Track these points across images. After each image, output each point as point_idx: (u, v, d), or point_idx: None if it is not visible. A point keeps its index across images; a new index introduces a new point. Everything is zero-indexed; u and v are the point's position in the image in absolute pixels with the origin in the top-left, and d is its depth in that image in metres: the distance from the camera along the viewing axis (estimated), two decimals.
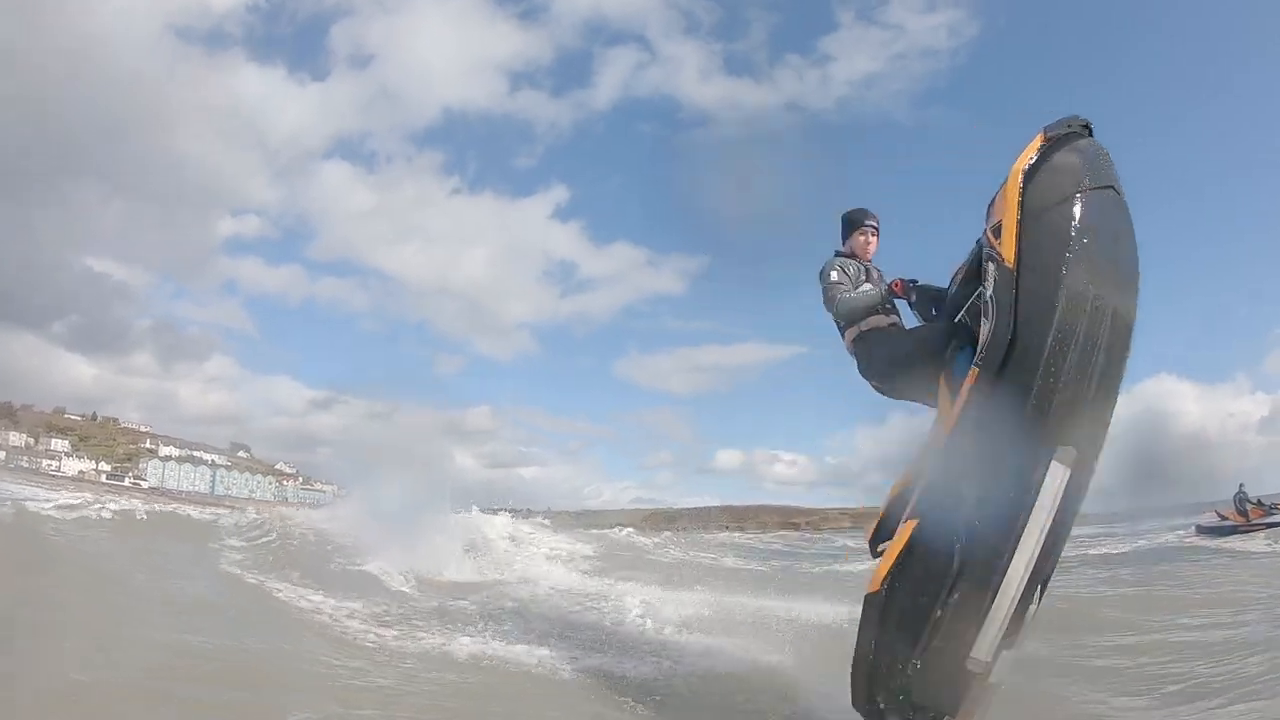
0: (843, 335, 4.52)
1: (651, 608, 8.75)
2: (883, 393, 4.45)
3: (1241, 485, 20.53)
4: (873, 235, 4.75)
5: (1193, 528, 21.83)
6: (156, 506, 12.45)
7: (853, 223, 4.77)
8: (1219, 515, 21.83)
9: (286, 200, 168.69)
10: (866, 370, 4.42)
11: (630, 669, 5.72)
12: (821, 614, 8.46)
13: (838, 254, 4.73)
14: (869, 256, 4.74)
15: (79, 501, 11.18)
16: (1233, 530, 20.55)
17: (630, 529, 29.16)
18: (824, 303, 4.53)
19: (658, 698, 5.02)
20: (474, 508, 17.51)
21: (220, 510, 15.53)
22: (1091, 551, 16.86)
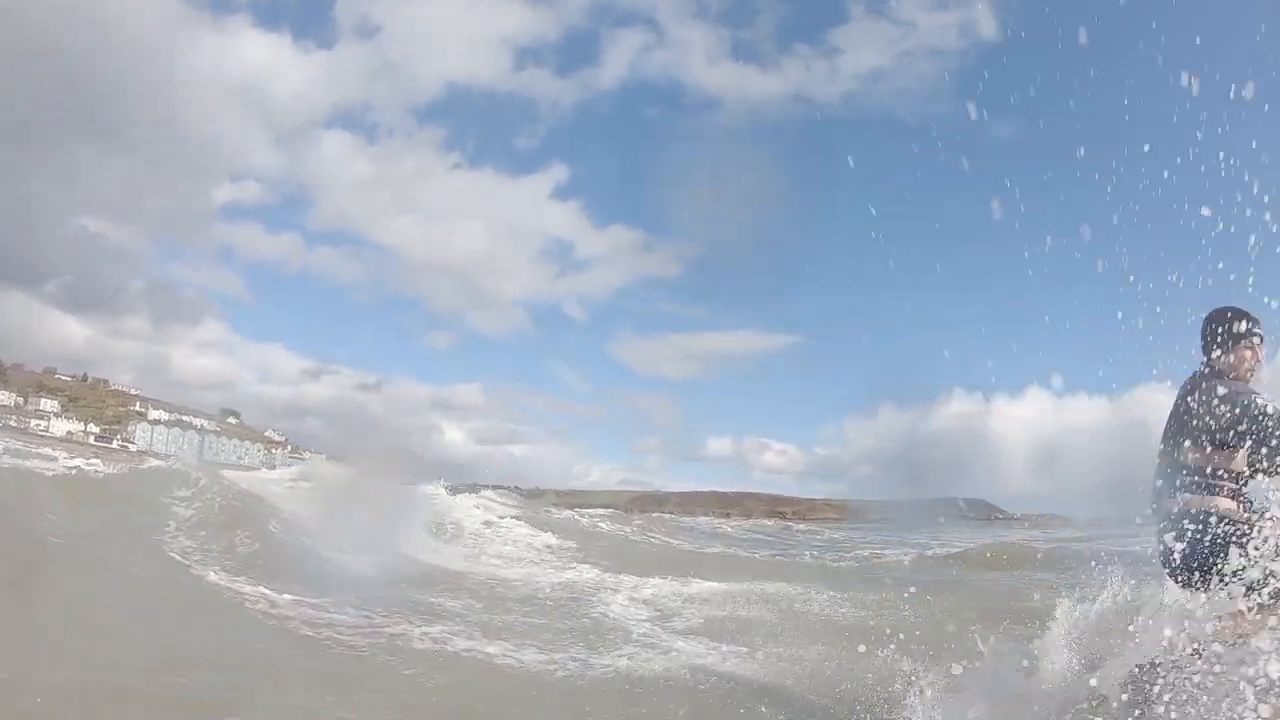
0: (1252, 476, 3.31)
1: (637, 601, 8.36)
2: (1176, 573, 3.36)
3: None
4: (1260, 347, 3.50)
5: None
6: (111, 469, 11.81)
7: (1233, 330, 3.47)
8: None
9: (286, 168, 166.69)
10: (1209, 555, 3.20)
11: (617, 667, 5.28)
12: (815, 611, 8.09)
13: (1210, 372, 3.48)
14: (1249, 379, 3.47)
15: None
16: None
17: (608, 510, 28.66)
18: (1272, 449, 3.19)
19: (648, 700, 4.58)
20: (440, 484, 16.97)
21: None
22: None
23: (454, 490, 17.47)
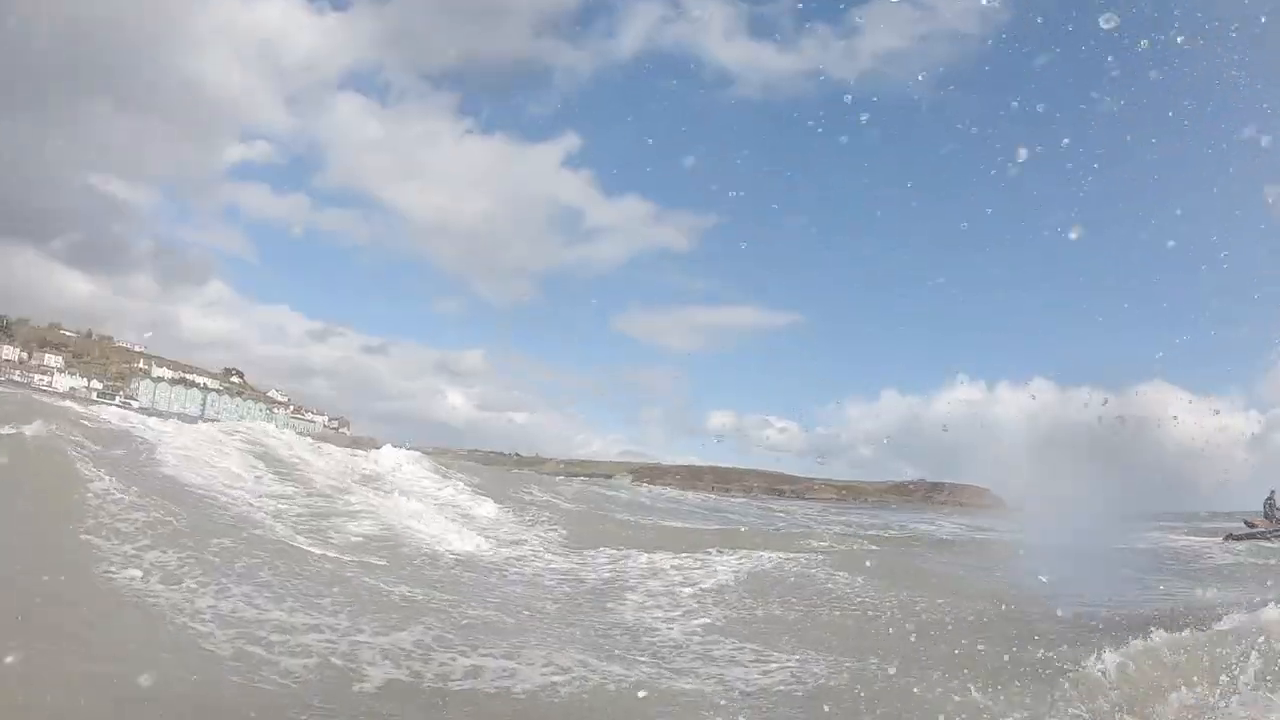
0: None
1: (655, 595, 7.79)
2: None
3: (1273, 492, 20.06)
4: None
5: (1221, 536, 20.98)
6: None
7: None
8: (1247, 524, 21.14)
9: (297, 128, 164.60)
10: None
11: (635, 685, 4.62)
12: (846, 606, 7.72)
13: None
14: None
15: None
16: (1262, 536, 19.85)
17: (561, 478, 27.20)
18: None
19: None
20: (387, 445, 16.65)
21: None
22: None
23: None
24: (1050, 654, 4.91)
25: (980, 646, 5.46)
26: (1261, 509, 21.21)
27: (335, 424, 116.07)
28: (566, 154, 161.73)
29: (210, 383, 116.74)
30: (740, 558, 10.30)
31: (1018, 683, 4.43)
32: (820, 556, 10.76)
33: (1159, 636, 4.50)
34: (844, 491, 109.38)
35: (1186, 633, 4.55)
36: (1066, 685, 4.23)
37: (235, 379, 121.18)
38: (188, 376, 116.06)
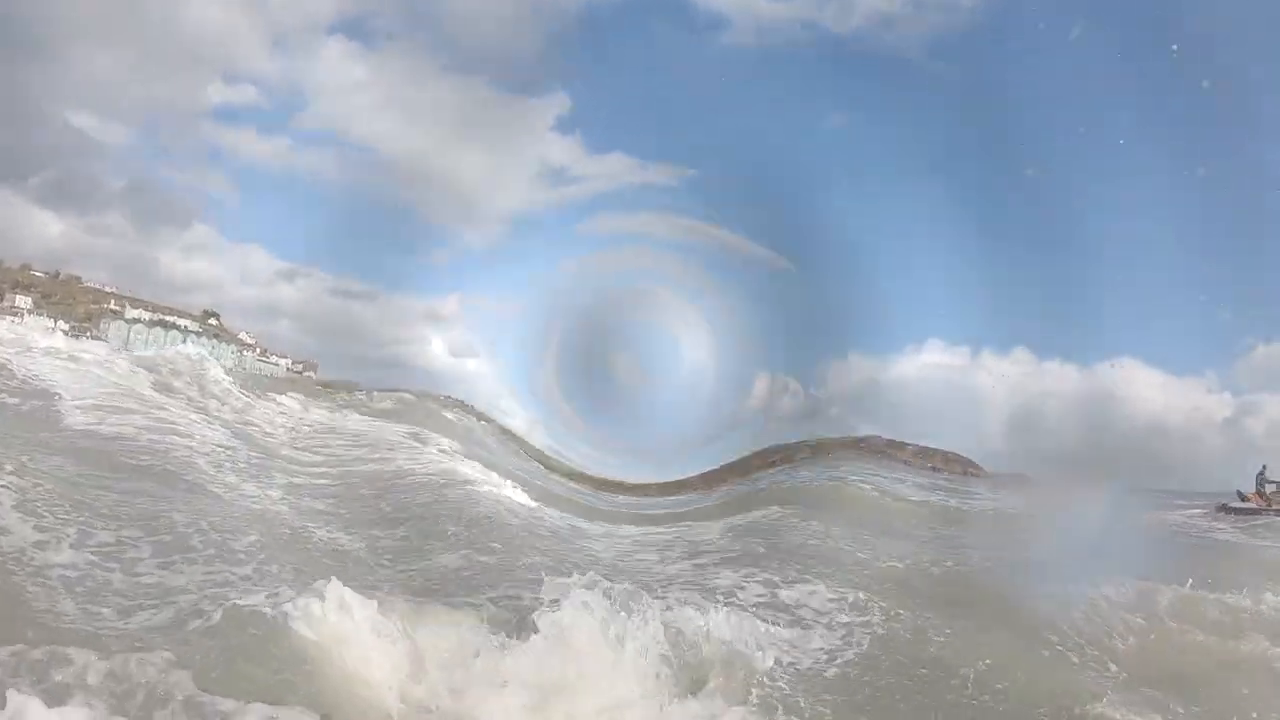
0: None
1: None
2: None
3: (1265, 466, 20.07)
4: None
5: (1210, 510, 20.68)
6: None
7: None
8: (1241, 495, 20.87)
9: (282, 70, 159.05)
10: None
11: None
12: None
13: None
14: None
15: None
16: (1255, 512, 19.62)
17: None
18: None
19: None
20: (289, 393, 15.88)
21: None
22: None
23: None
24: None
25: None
26: (1255, 485, 20.99)
27: (300, 367, 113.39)
28: (555, 104, 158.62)
29: (190, 325, 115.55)
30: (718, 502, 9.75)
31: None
32: (790, 509, 10.33)
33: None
34: (817, 450, 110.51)
35: None
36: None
37: (213, 321, 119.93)
38: (166, 318, 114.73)
